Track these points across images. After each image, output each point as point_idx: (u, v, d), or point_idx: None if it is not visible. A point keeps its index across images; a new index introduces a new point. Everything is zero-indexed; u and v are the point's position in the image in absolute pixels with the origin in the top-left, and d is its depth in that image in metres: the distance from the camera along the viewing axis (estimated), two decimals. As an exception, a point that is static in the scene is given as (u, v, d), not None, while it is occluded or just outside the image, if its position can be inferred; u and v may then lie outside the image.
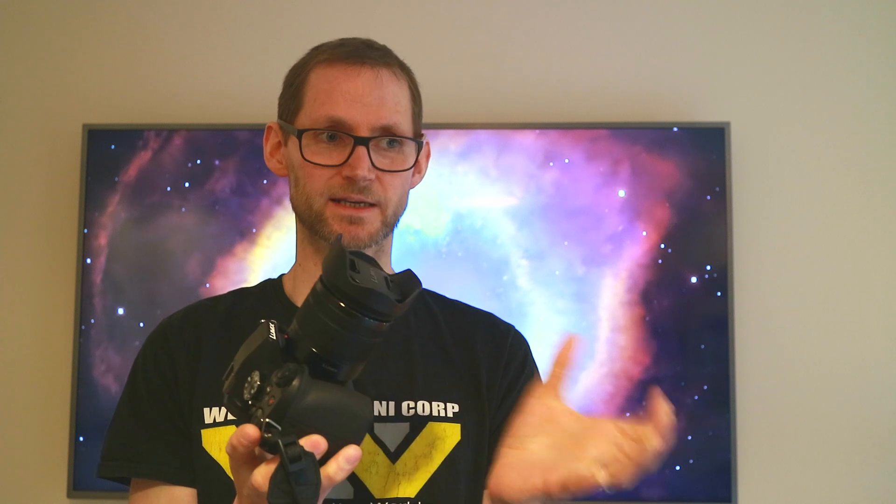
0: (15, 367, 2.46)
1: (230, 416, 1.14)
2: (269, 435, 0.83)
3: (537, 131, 2.38)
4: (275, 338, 0.89)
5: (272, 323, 0.91)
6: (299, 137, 1.17)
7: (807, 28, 2.46)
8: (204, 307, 1.25)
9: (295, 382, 0.84)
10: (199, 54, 2.52)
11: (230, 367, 0.91)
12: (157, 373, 1.18)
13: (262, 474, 0.85)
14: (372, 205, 1.15)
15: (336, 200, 1.15)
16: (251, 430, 0.85)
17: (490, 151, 2.38)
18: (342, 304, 0.87)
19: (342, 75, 1.17)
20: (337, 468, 0.85)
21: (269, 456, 0.86)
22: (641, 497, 2.30)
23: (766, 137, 2.43)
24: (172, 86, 2.50)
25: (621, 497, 2.30)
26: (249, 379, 0.87)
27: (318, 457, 0.83)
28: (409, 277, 0.93)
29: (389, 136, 1.16)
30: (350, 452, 0.86)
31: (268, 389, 0.86)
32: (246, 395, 0.87)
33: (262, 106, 2.23)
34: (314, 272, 1.21)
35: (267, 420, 0.83)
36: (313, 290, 0.90)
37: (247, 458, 0.88)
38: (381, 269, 0.94)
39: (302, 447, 0.82)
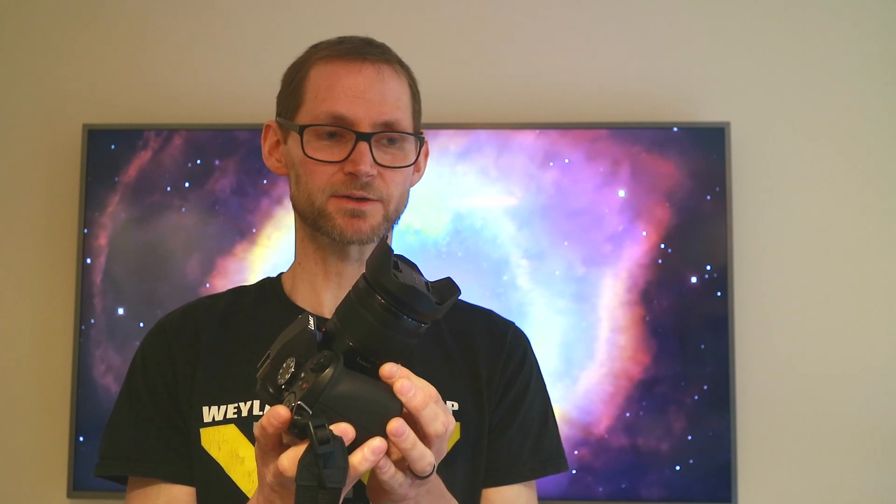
0: (15, 367, 2.46)
1: (229, 415, 1.15)
2: (300, 418, 0.84)
3: (537, 131, 2.38)
4: (313, 328, 0.90)
5: (311, 316, 0.92)
6: (301, 134, 1.16)
7: (807, 28, 2.46)
8: (202, 305, 1.25)
9: (329, 370, 0.85)
10: (199, 54, 2.52)
11: (266, 354, 0.92)
12: (156, 371, 1.18)
13: (289, 458, 0.85)
14: (374, 200, 1.15)
15: (338, 196, 1.15)
16: (282, 411, 0.85)
17: (490, 151, 2.38)
18: (384, 301, 0.88)
19: (343, 71, 1.17)
20: (362, 458, 0.85)
21: (296, 445, 0.87)
22: (641, 497, 2.30)
23: (766, 137, 2.43)
24: (172, 86, 2.51)
25: (622, 497, 2.30)
26: (284, 365, 0.88)
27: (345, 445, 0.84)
28: (448, 285, 0.93)
29: (391, 132, 1.16)
30: (376, 444, 0.86)
31: (302, 375, 0.87)
32: (280, 381, 0.88)
33: (262, 106, 2.23)
34: (314, 271, 1.21)
35: (298, 403, 0.84)
36: (355, 286, 0.91)
37: (274, 444, 0.88)
38: (422, 275, 0.95)
39: (331, 431, 0.83)
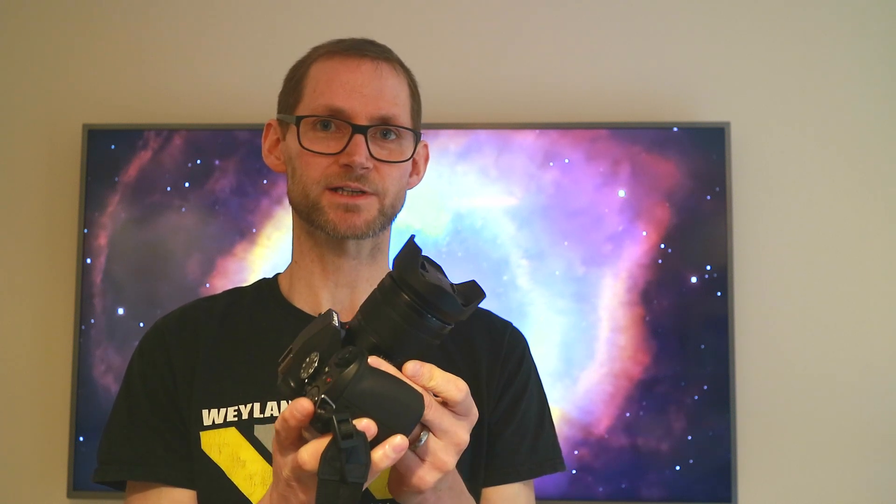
0: (15, 367, 2.46)
1: (229, 418, 1.14)
2: (323, 412, 0.84)
3: (537, 131, 2.38)
4: (337, 325, 0.90)
5: (335, 312, 0.92)
6: (297, 124, 1.17)
7: (807, 28, 2.46)
8: (199, 307, 1.25)
9: (354, 365, 0.85)
10: (199, 54, 2.52)
11: (288, 349, 0.92)
12: (155, 374, 1.18)
13: (310, 452, 0.85)
14: (369, 193, 1.15)
15: (333, 189, 1.15)
16: (306, 404, 0.85)
17: (490, 151, 2.38)
18: (409, 300, 0.89)
19: (342, 67, 1.18)
20: (383, 455, 0.85)
21: (316, 439, 0.86)
22: (641, 497, 2.30)
23: (766, 137, 2.43)
24: (172, 86, 2.50)
25: (622, 497, 2.30)
26: (308, 359, 0.88)
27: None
28: (473, 287, 0.94)
29: (387, 126, 1.17)
30: (397, 441, 0.86)
31: (326, 370, 0.86)
32: (303, 375, 0.88)
33: (262, 106, 2.24)
34: (311, 269, 1.21)
35: (322, 397, 0.84)
36: (381, 284, 0.91)
37: (293, 438, 0.88)
38: (447, 277, 0.95)
39: (354, 426, 0.83)
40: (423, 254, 0.93)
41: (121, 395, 1.20)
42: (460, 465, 1.13)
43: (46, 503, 2.39)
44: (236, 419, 1.14)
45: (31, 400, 2.44)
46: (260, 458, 1.12)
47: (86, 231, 2.39)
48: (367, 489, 1.11)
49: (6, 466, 2.44)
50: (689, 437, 2.30)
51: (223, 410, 1.15)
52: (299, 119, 1.17)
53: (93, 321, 2.38)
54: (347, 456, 0.82)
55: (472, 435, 1.16)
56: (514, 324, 1.30)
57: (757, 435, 2.35)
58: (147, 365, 1.19)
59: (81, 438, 2.34)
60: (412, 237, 0.92)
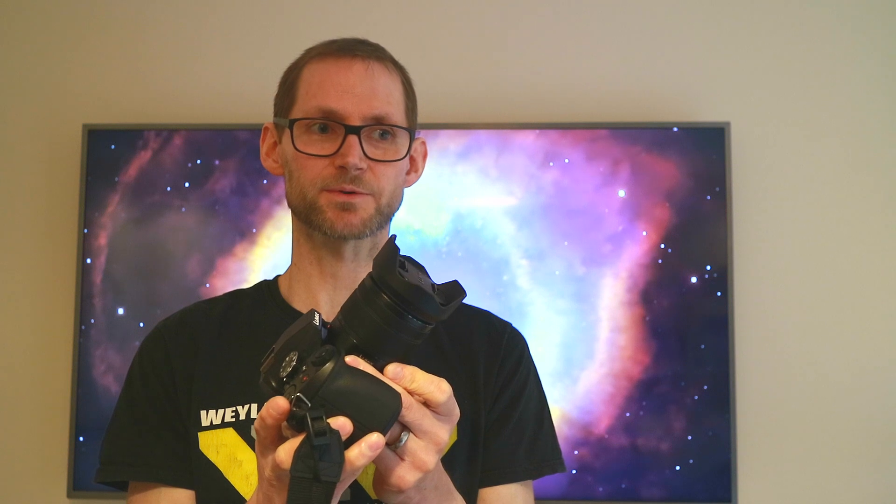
0: (15, 367, 2.46)
1: (227, 419, 1.15)
2: (298, 409, 0.84)
3: (537, 131, 2.38)
4: (318, 324, 0.90)
5: (317, 312, 0.93)
6: (291, 128, 1.18)
7: (807, 28, 2.46)
8: (199, 310, 1.25)
9: (329, 364, 0.85)
10: (199, 54, 2.52)
11: (270, 349, 0.92)
12: (155, 375, 1.18)
13: (286, 450, 0.85)
14: (365, 193, 1.16)
15: (329, 190, 1.15)
16: (281, 402, 0.86)
17: (490, 151, 2.38)
18: (389, 300, 0.89)
19: (333, 68, 1.18)
20: (359, 453, 0.85)
21: (294, 438, 0.87)
22: (641, 497, 2.30)
23: (766, 137, 2.43)
24: (172, 86, 2.51)
25: (622, 497, 2.30)
26: (287, 359, 0.89)
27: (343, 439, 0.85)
28: (454, 287, 0.94)
29: (381, 126, 1.17)
30: (373, 439, 0.86)
31: (303, 368, 0.87)
32: (282, 374, 0.88)
33: (262, 106, 2.24)
34: (310, 272, 1.21)
35: (298, 395, 0.84)
36: (362, 284, 0.91)
37: (273, 437, 0.88)
38: (429, 277, 0.95)
39: (328, 424, 0.83)
40: (411, 255, 0.93)
41: (122, 397, 1.21)
42: (455, 466, 1.13)
43: (46, 503, 2.39)
44: (234, 420, 1.15)
45: (31, 400, 2.45)
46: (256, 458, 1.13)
47: (86, 231, 2.39)
48: (362, 488, 1.11)
49: (6, 466, 2.44)
50: (689, 437, 2.30)
51: (221, 411, 1.15)
52: (293, 122, 1.18)
53: (93, 321, 2.38)
54: (321, 454, 0.82)
55: (468, 436, 1.17)
56: (514, 324, 1.30)
57: (757, 435, 2.35)
58: (147, 366, 1.20)
59: (81, 438, 2.34)
60: (393, 237, 0.92)
